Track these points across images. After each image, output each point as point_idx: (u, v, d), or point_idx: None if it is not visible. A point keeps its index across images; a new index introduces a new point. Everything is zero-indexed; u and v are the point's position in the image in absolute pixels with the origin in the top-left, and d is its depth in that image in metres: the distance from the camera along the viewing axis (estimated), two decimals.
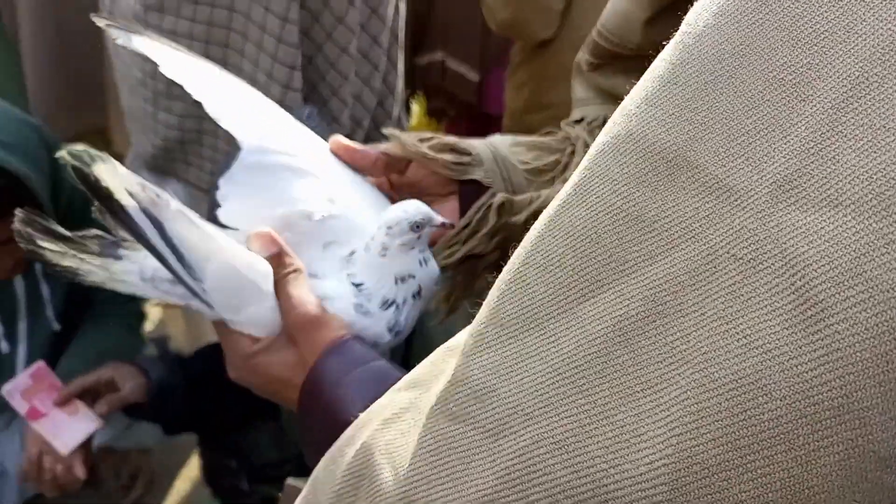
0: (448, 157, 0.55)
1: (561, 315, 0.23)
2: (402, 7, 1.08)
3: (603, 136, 0.25)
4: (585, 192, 0.24)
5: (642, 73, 0.55)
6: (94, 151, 0.43)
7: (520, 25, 1.30)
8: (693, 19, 0.24)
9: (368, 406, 0.31)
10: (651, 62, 0.54)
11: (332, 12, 0.95)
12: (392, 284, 0.49)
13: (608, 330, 0.22)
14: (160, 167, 1.27)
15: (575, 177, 0.25)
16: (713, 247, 0.21)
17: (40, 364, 1.12)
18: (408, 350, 1.07)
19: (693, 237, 0.22)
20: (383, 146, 0.55)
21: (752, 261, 0.20)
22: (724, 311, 0.20)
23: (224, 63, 1.07)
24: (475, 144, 0.56)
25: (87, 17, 1.34)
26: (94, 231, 0.47)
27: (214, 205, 0.51)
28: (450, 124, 1.88)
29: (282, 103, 1.00)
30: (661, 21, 0.50)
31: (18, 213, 0.46)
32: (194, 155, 1.21)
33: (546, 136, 0.60)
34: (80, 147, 0.42)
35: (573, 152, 0.56)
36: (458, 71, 1.99)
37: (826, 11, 0.21)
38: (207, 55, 1.06)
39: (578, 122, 0.58)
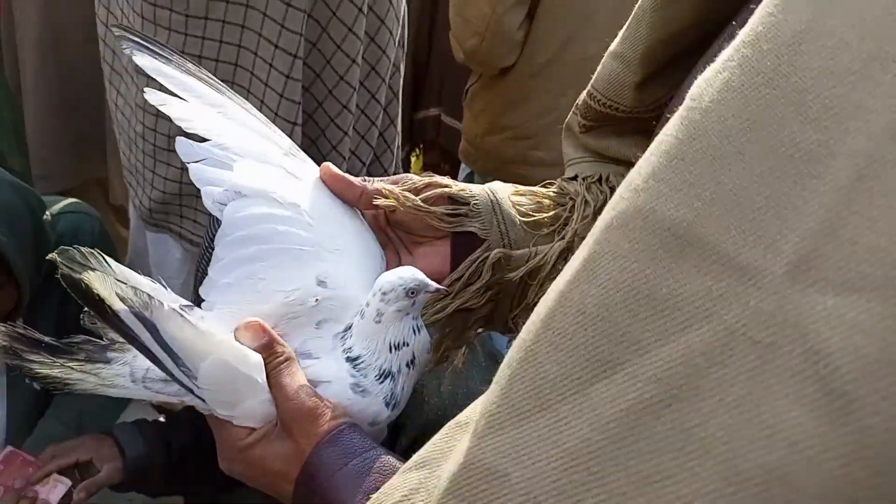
0: (442, 209, 0.54)
1: (573, 396, 0.22)
2: (402, 66, 1.10)
3: (610, 211, 0.24)
4: (595, 268, 0.24)
5: (634, 135, 0.56)
6: (85, 250, 0.43)
7: (484, 54, 1.42)
8: (698, 94, 0.24)
9: (366, 499, 0.29)
10: (642, 124, 0.54)
11: (335, 69, 0.97)
12: (387, 353, 0.48)
13: (622, 413, 0.21)
14: (156, 221, 1.27)
15: (583, 251, 0.25)
16: (729, 328, 0.20)
17: (8, 450, 1.09)
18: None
19: (707, 317, 0.21)
20: (376, 184, 0.54)
21: (771, 345, 0.19)
22: (744, 397, 0.19)
23: None
24: (475, 192, 0.55)
25: (90, 70, 1.35)
26: (82, 336, 0.47)
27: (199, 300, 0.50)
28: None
29: None
30: (651, 84, 0.51)
31: (1, 327, 0.46)
32: (191, 208, 1.21)
33: (545, 188, 0.59)
34: (70, 250, 0.42)
35: (573, 207, 0.56)
36: (453, 126, 2.03)
37: (835, 87, 0.21)
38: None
39: (573, 178, 0.58)
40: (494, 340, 1.03)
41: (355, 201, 0.53)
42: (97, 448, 1.08)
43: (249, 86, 1.01)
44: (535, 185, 1.96)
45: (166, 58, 0.53)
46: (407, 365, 0.49)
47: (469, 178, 1.77)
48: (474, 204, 0.54)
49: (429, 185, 0.54)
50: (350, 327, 0.49)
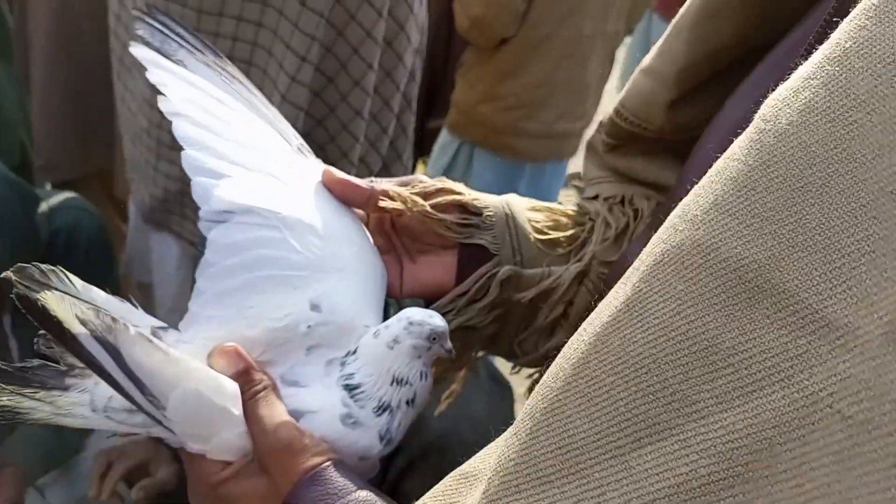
0: (452, 217, 0.50)
1: (609, 462, 0.19)
2: (419, 75, 1.07)
3: (660, 244, 0.21)
4: (641, 309, 0.20)
5: (663, 157, 0.52)
6: (45, 268, 0.39)
7: (488, 22, 1.52)
8: (772, 115, 0.20)
9: None
10: (672, 146, 0.51)
11: (350, 74, 0.93)
12: (388, 385, 0.44)
13: (671, 491, 0.18)
14: (156, 219, 1.24)
15: (625, 288, 0.21)
16: (811, 396, 0.17)
17: None
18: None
19: (783, 380, 0.17)
20: (383, 185, 0.50)
21: (865, 423, 0.16)
22: (829, 485, 0.16)
23: None
24: (489, 202, 0.52)
25: (101, 63, 1.34)
26: (38, 361, 0.42)
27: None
28: None
29: None
30: (687, 104, 0.47)
31: None
32: (192, 209, 1.18)
33: (563, 206, 0.55)
34: (28, 268, 0.38)
35: (592, 228, 0.52)
36: None
37: None
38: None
39: (594, 198, 0.54)
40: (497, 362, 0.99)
41: (363, 205, 0.50)
42: (155, 450, 1.05)
43: (262, 85, 0.98)
44: (522, 156, 1.96)
45: (178, 44, 0.50)
46: (407, 402, 0.45)
47: (454, 155, 1.80)
48: (487, 215, 0.50)
49: (440, 191, 0.50)
50: (353, 352, 0.46)
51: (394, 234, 0.52)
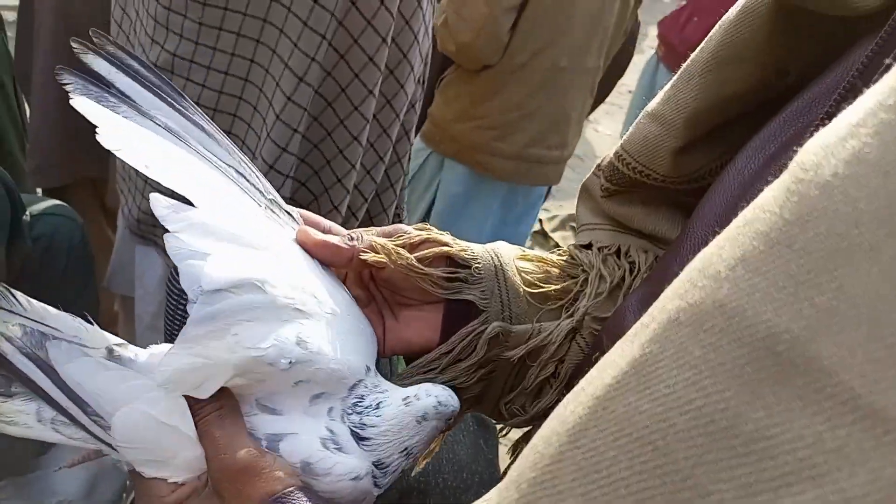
0: (439, 271, 0.46)
1: None
2: (419, 105, 1.05)
3: (675, 300, 0.18)
4: (651, 375, 0.17)
5: (664, 207, 0.50)
6: None
7: (476, 50, 1.60)
8: (813, 163, 0.18)
9: None
10: (675, 196, 0.48)
11: (350, 99, 0.92)
12: (398, 453, 0.42)
13: None
14: (143, 232, 1.21)
15: (633, 348, 0.18)
16: (850, 501, 0.14)
17: None
18: None
19: (816, 478, 0.14)
20: (364, 237, 0.46)
21: None
22: None
23: (229, 132, 1.03)
24: (477, 253, 0.48)
25: None
26: None
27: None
28: None
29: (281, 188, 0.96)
30: (693, 151, 0.45)
31: None
32: None
33: (554, 255, 0.52)
34: None
35: (585, 281, 0.49)
36: None
37: None
38: (214, 122, 1.02)
39: (587, 246, 0.52)
40: None
41: (344, 265, 0.46)
42: None
43: (257, 103, 0.96)
44: (493, 172, 1.95)
45: (118, 98, 0.44)
46: (403, 471, 0.42)
47: (423, 161, 1.89)
48: (476, 268, 0.47)
49: (426, 242, 0.47)
50: (374, 406, 0.42)
51: (374, 287, 0.49)
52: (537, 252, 0.51)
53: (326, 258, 0.46)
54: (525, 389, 0.47)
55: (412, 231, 0.47)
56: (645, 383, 0.17)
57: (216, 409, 0.38)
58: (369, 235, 0.47)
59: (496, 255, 0.49)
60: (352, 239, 0.46)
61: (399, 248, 0.46)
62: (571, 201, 1.92)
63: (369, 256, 0.46)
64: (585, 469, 0.17)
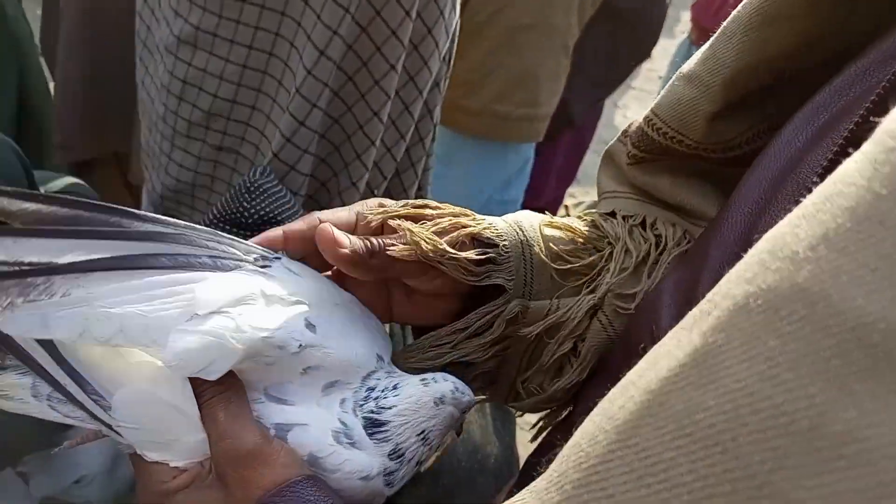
0: (471, 255, 0.43)
1: None
2: (444, 85, 1.03)
3: (743, 284, 0.16)
4: (716, 367, 0.15)
5: (693, 178, 0.47)
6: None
7: None
8: None
9: None
10: (706, 166, 0.45)
11: (371, 72, 0.90)
12: (415, 436, 0.40)
13: None
14: (166, 209, 1.21)
15: (692, 337, 0.16)
16: None
17: None
18: None
19: None
20: (393, 222, 0.43)
21: None
22: None
23: (253, 107, 1.02)
24: (501, 229, 0.45)
25: (125, 44, 1.32)
26: None
27: None
28: None
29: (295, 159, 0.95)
30: (730, 117, 0.42)
31: None
32: (203, 200, 1.15)
33: (582, 224, 0.49)
34: None
35: (610, 255, 0.46)
36: None
37: None
38: (237, 98, 1.02)
39: (610, 214, 0.49)
40: None
41: (365, 272, 0.43)
42: None
43: (282, 78, 0.95)
44: (463, 128, 1.92)
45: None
46: (418, 462, 0.41)
47: None
48: (503, 246, 0.45)
49: (453, 226, 0.44)
50: (391, 387, 0.41)
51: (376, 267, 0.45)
52: (565, 220, 0.49)
53: (354, 271, 0.43)
54: (542, 367, 0.46)
55: (431, 208, 0.45)
56: (709, 377, 0.15)
57: (222, 392, 0.37)
58: (386, 215, 0.44)
59: (520, 228, 0.46)
60: (369, 244, 0.43)
61: (431, 237, 0.43)
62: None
63: (399, 252, 0.42)
64: (639, 471, 0.15)
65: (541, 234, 0.47)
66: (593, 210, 0.50)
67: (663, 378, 0.16)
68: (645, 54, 2.03)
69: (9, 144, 1.01)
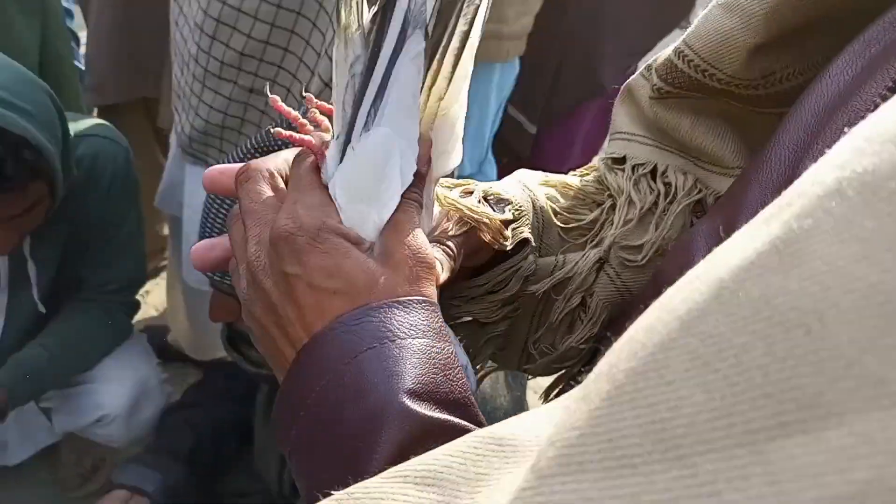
0: (502, 216, 0.42)
1: (731, 451, 0.13)
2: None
3: (833, 170, 0.15)
4: (802, 251, 0.14)
5: (718, 119, 0.44)
6: None
7: None
8: None
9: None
10: (734, 105, 0.43)
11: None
12: None
13: (831, 501, 0.12)
14: (194, 151, 1.21)
15: (769, 229, 0.15)
16: None
17: None
18: None
19: None
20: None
21: None
22: None
23: (286, 49, 1.01)
24: (510, 190, 0.44)
25: None
26: None
27: None
28: (500, 172, 1.83)
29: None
30: (770, 52, 0.38)
31: None
32: (231, 143, 1.14)
33: (576, 180, 0.47)
34: None
35: (613, 207, 0.44)
36: (518, 120, 1.92)
37: None
38: (269, 39, 1.01)
39: (620, 160, 0.46)
40: None
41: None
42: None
43: (316, 18, 0.94)
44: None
45: None
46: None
47: None
48: (518, 206, 0.43)
49: (466, 191, 0.43)
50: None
51: None
52: (560, 177, 0.47)
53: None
54: (553, 325, 0.44)
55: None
56: (792, 261, 0.14)
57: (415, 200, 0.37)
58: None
59: (526, 186, 0.45)
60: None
61: (459, 199, 0.41)
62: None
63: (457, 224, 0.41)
64: (704, 357, 0.14)
65: (539, 185, 0.45)
66: (595, 164, 0.47)
67: (736, 267, 0.15)
68: (683, 15, 1.97)
69: (45, 88, 1.01)
